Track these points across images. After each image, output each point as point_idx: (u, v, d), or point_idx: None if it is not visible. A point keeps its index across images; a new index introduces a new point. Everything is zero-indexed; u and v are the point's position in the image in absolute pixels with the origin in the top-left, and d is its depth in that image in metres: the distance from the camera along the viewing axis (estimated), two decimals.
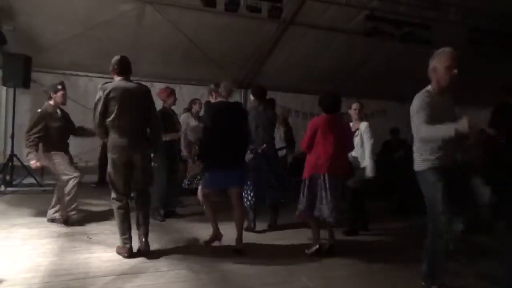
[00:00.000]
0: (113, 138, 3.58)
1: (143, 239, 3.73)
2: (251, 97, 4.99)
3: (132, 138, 3.58)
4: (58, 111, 4.69)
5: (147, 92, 3.73)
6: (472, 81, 8.44)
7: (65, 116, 4.78)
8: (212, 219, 4.11)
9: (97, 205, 5.61)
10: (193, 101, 6.10)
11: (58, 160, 4.55)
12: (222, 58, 7.43)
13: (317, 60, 7.84)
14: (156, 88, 7.98)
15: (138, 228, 3.75)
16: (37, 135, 4.45)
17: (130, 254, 3.61)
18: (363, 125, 4.72)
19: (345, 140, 4.09)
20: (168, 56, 7.25)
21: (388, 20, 6.87)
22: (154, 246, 3.99)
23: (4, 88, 6.78)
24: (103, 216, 5.00)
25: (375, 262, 3.85)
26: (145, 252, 3.69)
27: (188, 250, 3.96)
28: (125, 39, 6.68)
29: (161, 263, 3.54)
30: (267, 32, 7.08)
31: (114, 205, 3.68)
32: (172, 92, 5.42)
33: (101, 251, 3.79)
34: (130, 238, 3.66)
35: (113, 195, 3.68)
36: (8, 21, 6.08)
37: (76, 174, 4.53)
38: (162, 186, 4.98)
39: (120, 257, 3.65)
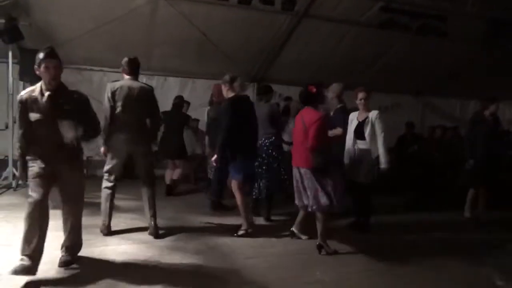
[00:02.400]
0: (116, 130, 3.95)
1: (152, 223, 4.07)
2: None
3: (132, 133, 3.93)
4: (46, 95, 2.94)
5: (150, 91, 4.05)
6: (489, 74, 8.30)
7: (60, 104, 2.95)
8: (246, 211, 4.32)
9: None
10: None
11: (29, 174, 3.08)
12: (235, 52, 7.40)
13: (331, 53, 7.75)
14: (169, 82, 8.14)
15: (149, 213, 4.12)
16: (21, 131, 3.05)
17: (107, 232, 4.04)
18: (374, 114, 4.55)
19: (307, 132, 3.81)
20: (181, 50, 7.27)
21: (403, 12, 6.74)
22: (169, 239, 4.05)
23: (21, 82, 6.88)
24: (118, 210, 5.05)
25: (389, 258, 3.82)
26: (155, 235, 4.01)
27: (203, 243, 3.99)
28: (138, 34, 6.72)
29: (176, 256, 3.57)
30: (280, 25, 7.03)
31: (103, 184, 4.09)
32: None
33: (116, 244, 3.85)
34: (108, 216, 4.06)
35: (105, 175, 4.11)
36: (25, 17, 6.16)
37: (31, 198, 2.96)
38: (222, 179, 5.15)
39: (134, 249, 3.70)
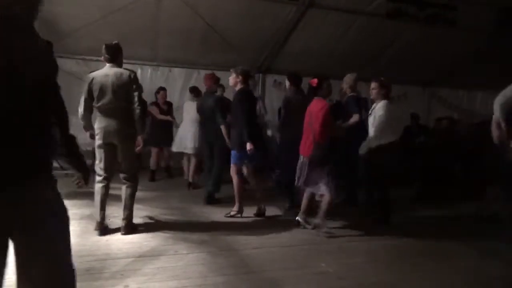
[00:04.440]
0: (97, 120, 3.84)
1: (123, 224, 3.90)
2: (287, 83, 5.20)
3: (109, 122, 3.78)
4: None
5: (127, 76, 3.78)
6: (499, 64, 8.18)
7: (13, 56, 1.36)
8: (240, 195, 4.62)
9: (119, 189, 5.70)
10: None
11: None
12: (240, 43, 7.35)
13: (337, 43, 7.67)
14: (174, 73, 8.12)
15: (123, 214, 3.94)
16: None
17: (100, 229, 3.83)
18: (379, 104, 4.52)
19: (313, 122, 4.05)
20: (187, 41, 7.23)
21: (411, 1, 6.64)
22: (173, 229, 4.07)
23: None
24: None
25: (394, 249, 3.82)
26: (125, 233, 3.86)
27: (208, 233, 4.00)
28: (143, 24, 6.68)
29: (181, 246, 3.59)
30: (285, 15, 6.95)
31: (96, 180, 3.88)
32: (218, 79, 5.73)
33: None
34: (99, 212, 3.85)
35: (96, 171, 3.91)
36: None
37: None
38: (220, 171, 5.27)
39: (140, 239, 3.73)
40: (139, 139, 3.89)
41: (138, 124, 3.83)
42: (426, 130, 8.28)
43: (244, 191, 4.69)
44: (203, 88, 5.96)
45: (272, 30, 7.26)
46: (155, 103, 6.90)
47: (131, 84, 3.78)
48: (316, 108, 4.02)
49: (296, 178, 4.24)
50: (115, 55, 3.87)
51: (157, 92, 6.97)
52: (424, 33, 7.37)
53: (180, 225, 4.23)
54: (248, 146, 4.36)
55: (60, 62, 6.95)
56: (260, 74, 8.49)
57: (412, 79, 9.28)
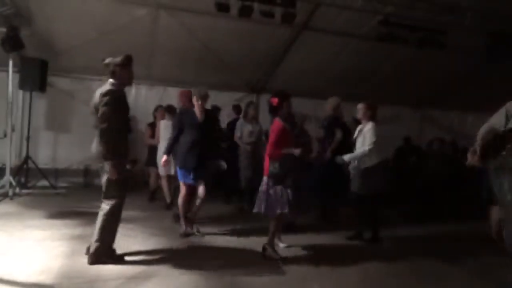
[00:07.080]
0: None
1: (91, 248, 3.51)
2: None
3: (94, 146, 3.54)
4: None
5: (102, 94, 3.44)
6: (489, 86, 8.34)
7: None
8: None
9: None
10: (248, 106, 6.25)
11: None
12: (236, 63, 7.45)
13: (330, 65, 7.79)
14: (169, 92, 8.16)
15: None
16: None
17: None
18: (367, 125, 4.59)
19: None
20: (182, 61, 7.30)
21: (402, 25, 6.79)
22: (166, 250, 4.01)
23: (21, 91, 6.90)
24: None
25: (386, 268, 3.81)
26: (88, 262, 3.47)
27: (200, 255, 3.95)
28: (139, 43, 6.74)
29: (173, 268, 3.53)
30: (280, 37, 7.08)
31: None
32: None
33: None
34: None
35: None
36: (26, 27, 6.19)
37: None
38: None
39: (131, 260, 3.65)
40: (110, 164, 3.38)
41: (100, 144, 3.40)
42: (418, 150, 8.36)
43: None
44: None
45: (267, 51, 7.38)
46: (151, 124, 6.68)
47: (101, 101, 3.41)
48: (272, 127, 3.93)
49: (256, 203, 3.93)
50: (110, 71, 3.64)
51: (155, 110, 6.77)
52: (416, 55, 7.51)
53: (172, 245, 4.16)
54: None
55: (56, 80, 6.95)
56: (255, 94, 8.56)
57: (404, 100, 9.41)
